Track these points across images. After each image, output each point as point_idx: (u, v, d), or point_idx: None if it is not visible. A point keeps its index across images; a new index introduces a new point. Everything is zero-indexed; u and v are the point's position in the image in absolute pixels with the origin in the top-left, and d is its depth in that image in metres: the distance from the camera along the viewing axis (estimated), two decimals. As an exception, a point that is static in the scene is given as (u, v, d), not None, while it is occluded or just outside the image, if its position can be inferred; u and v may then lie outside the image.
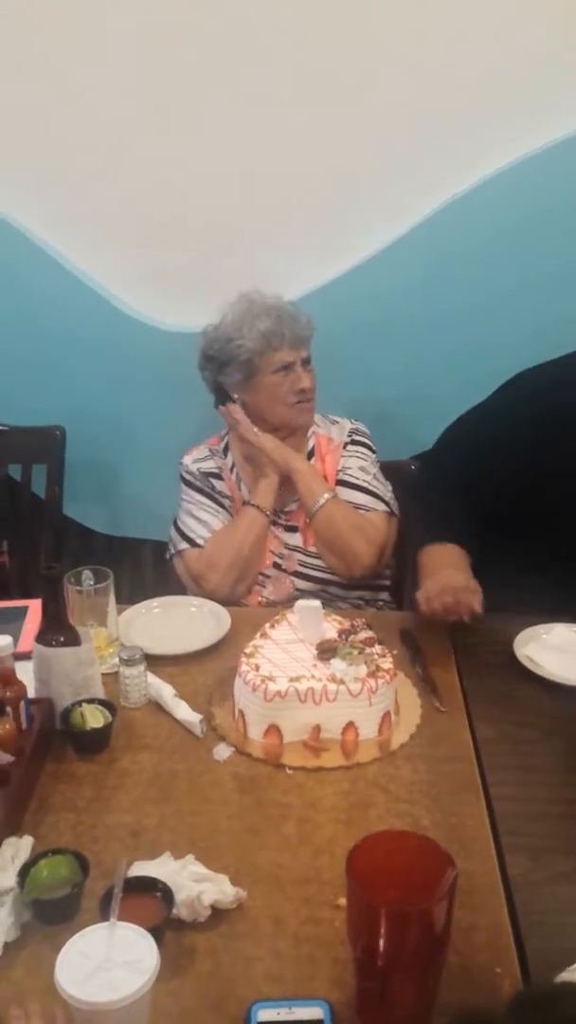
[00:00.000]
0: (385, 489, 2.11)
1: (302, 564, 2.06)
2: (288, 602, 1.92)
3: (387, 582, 2.17)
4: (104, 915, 1.08)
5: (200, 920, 1.15)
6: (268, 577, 2.07)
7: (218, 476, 2.13)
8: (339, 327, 2.16)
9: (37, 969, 1.08)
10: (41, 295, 2.46)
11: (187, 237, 2.40)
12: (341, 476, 2.09)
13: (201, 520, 2.08)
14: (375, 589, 2.12)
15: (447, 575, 1.76)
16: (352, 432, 2.15)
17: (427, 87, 2.21)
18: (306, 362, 2.03)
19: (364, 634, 1.55)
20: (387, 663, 1.51)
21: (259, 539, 2.04)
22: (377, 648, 1.53)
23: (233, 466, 2.14)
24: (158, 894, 1.14)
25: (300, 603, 1.65)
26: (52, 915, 1.15)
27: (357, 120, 2.25)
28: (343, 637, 1.55)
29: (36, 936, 1.14)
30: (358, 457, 2.12)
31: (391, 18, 2.15)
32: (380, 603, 2.13)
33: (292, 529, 2.09)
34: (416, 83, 2.21)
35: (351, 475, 2.09)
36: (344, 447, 2.13)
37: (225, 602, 1.94)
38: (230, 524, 2.07)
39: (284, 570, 2.06)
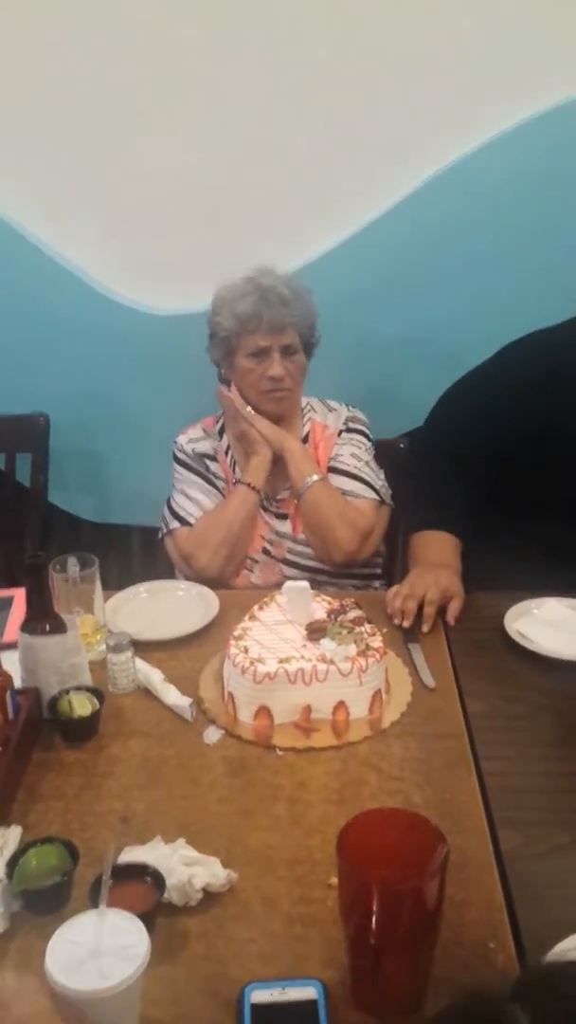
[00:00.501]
0: (376, 477, 2.09)
1: (291, 552, 2.05)
2: (276, 587, 1.90)
3: (378, 570, 2.15)
4: (94, 902, 1.07)
5: (192, 904, 1.14)
6: (256, 562, 2.05)
7: (212, 457, 2.11)
8: (330, 301, 2.14)
9: (28, 961, 1.07)
10: (25, 282, 2.43)
11: (174, 220, 2.38)
12: (332, 463, 2.07)
13: (192, 499, 2.07)
14: (366, 578, 2.11)
15: (431, 581, 1.75)
16: (348, 420, 2.13)
17: (419, 55, 2.19)
18: (287, 350, 1.98)
19: (353, 613, 1.54)
20: (376, 642, 1.50)
21: (249, 517, 2.02)
22: (367, 627, 1.52)
23: (228, 448, 2.12)
24: (148, 879, 1.13)
25: (288, 584, 1.64)
26: (42, 905, 1.14)
27: (348, 92, 2.23)
28: (332, 617, 1.54)
29: (25, 927, 1.12)
30: (351, 444, 2.10)
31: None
32: (372, 590, 2.12)
33: (282, 516, 2.07)
34: (409, 51, 2.19)
35: (342, 462, 2.07)
36: (339, 435, 2.11)
37: (214, 583, 1.93)
38: (221, 502, 2.05)
39: (273, 556, 2.05)
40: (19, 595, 1.80)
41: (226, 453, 2.12)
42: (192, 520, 2.04)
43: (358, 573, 2.08)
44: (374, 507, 2.05)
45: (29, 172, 2.35)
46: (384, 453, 2.18)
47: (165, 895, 1.12)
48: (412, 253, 2.34)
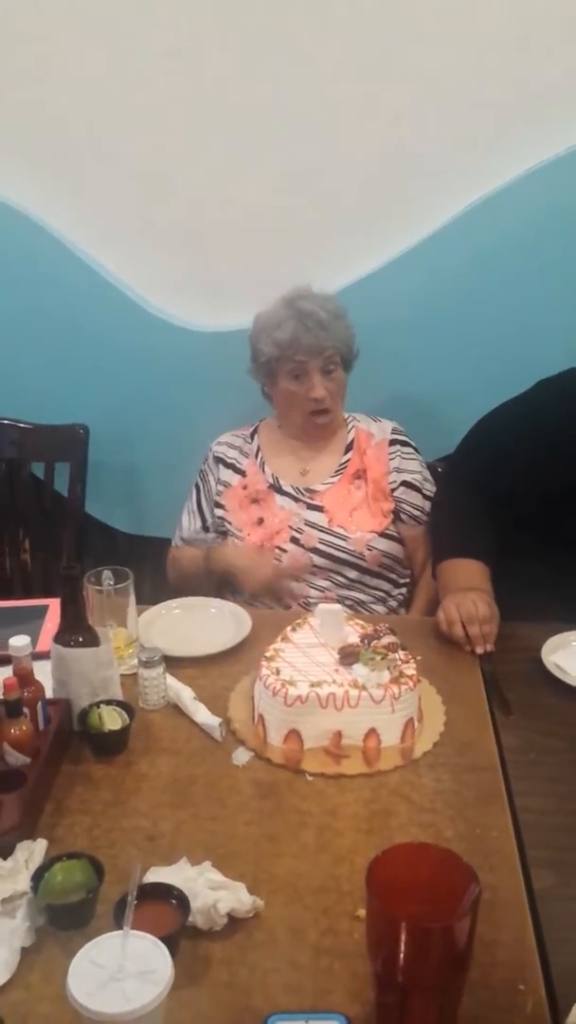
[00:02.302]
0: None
1: (323, 543, 2.06)
2: (303, 571, 2.04)
3: (407, 580, 2.16)
4: (118, 922, 1.06)
5: (216, 929, 1.13)
6: (284, 552, 2.07)
7: (228, 464, 2.16)
8: (371, 324, 2.14)
9: (51, 975, 1.06)
10: (69, 296, 2.45)
11: (216, 239, 2.39)
12: (408, 479, 2.12)
13: (181, 523, 2.22)
14: (396, 584, 2.13)
15: (472, 601, 1.74)
16: (395, 431, 2.17)
17: (463, 82, 2.18)
18: (327, 370, 2.03)
19: (387, 639, 1.52)
20: (410, 669, 1.48)
21: (195, 575, 2.14)
22: (400, 654, 1.50)
23: (259, 451, 2.16)
24: (174, 901, 1.12)
25: (322, 607, 1.62)
26: (66, 921, 1.13)
27: (391, 117, 2.23)
28: (365, 642, 1.53)
29: (50, 941, 1.12)
30: (415, 460, 2.16)
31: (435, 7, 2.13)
32: (399, 597, 2.13)
33: (316, 508, 2.09)
34: (454, 75, 2.18)
35: (416, 480, 2.13)
36: (390, 445, 2.14)
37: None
38: (191, 555, 2.17)
39: (302, 545, 2.06)
40: (54, 605, 1.81)
41: (256, 456, 2.17)
42: (177, 543, 2.23)
43: (388, 577, 2.11)
44: None
45: (77, 191, 2.38)
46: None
47: (190, 918, 1.11)
48: (452, 280, 2.33)
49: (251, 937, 1.13)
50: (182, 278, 2.45)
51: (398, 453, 2.13)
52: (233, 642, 1.74)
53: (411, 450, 2.16)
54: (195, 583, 2.12)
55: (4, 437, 2.43)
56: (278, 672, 1.48)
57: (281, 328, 2.01)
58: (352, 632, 1.59)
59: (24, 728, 1.34)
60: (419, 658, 1.54)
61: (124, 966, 0.96)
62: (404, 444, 2.15)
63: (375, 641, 1.52)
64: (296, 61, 2.20)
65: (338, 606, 1.62)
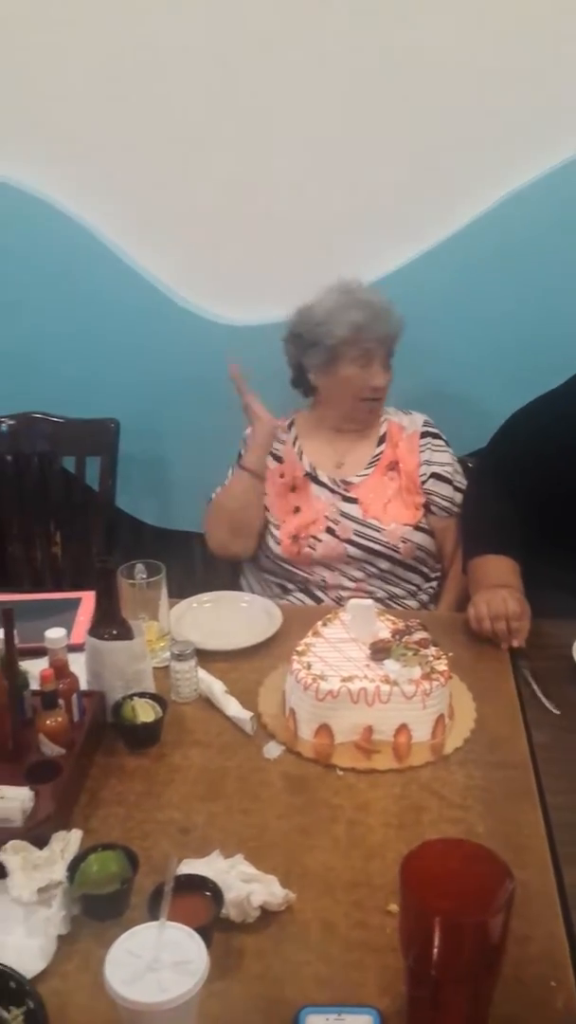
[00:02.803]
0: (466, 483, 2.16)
1: (358, 534, 2.07)
2: (339, 561, 2.06)
3: (438, 574, 2.17)
4: (153, 913, 1.07)
5: (248, 921, 1.14)
6: (319, 541, 2.07)
7: (272, 454, 2.17)
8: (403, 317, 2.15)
9: (87, 964, 1.08)
10: (100, 288, 2.46)
11: (248, 232, 2.39)
12: (437, 471, 2.12)
13: (225, 479, 2.20)
14: (427, 578, 2.14)
15: (503, 598, 1.73)
16: (426, 424, 2.17)
17: (499, 71, 2.18)
18: (386, 362, 2.07)
19: (419, 635, 1.53)
20: (442, 665, 1.48)
21: (244, 497, 2.11)
22: (432, 650, 1.50)
23: (296, 440, 2.18)
24: (208, 893, 1.13)
25: (353, 602, 1.63)
26: (101, 911, 1.15)
27: (428, 107, 2.23)
28: (397, 638, 1.53)
29: (85, 931, 1.13)
30: (446, 452, 2.15)
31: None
32: (430, 591, 2.14)
33: (351, 500, 2.10)
34: (488, 67, 2.18)
35: (447, 472, 2.13)
36: (421, 437, 2.14)
37: (234, 557, 2.16)
38: (229, 482, 2.16)
39: (337, 536, 2.07)
40: (87, 598, 1.82)
41: (294, 444, 2.18)
42: (213, 495, 2.19)
43: (420, 571, 2.12)
44: None
45: (110, 182, 2.38)
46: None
47: (223, 911, 1.12)
48: (484, 273, 2.32)
49: (283, 930, 1.14)
50: (213, 272, 2.45)
51: (428, 445, 2.14)
52: (263, 636, 1.75)
53: (441, 443, 2.16)
54: (238, 510, 2.11)
55: (37, 431, 2.45)
56: (309, 667, 1.49)
57: (353, 311, 2.02)
58: (383, 627, 1.59)
59: (60, 719, 1.36)
60: (451, 654, 1.53)
61: (160, 956, 0.97)
62: (435, 437, 2.16)
63: (406, 637, 1.53)
64: (329, 54, 2.20)
65: (369, 601, 1.63)
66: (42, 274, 2.45)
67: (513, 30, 2.14)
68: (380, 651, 1.51)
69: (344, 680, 1.45)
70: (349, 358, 2.04)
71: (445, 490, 2.11)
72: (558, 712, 1.55)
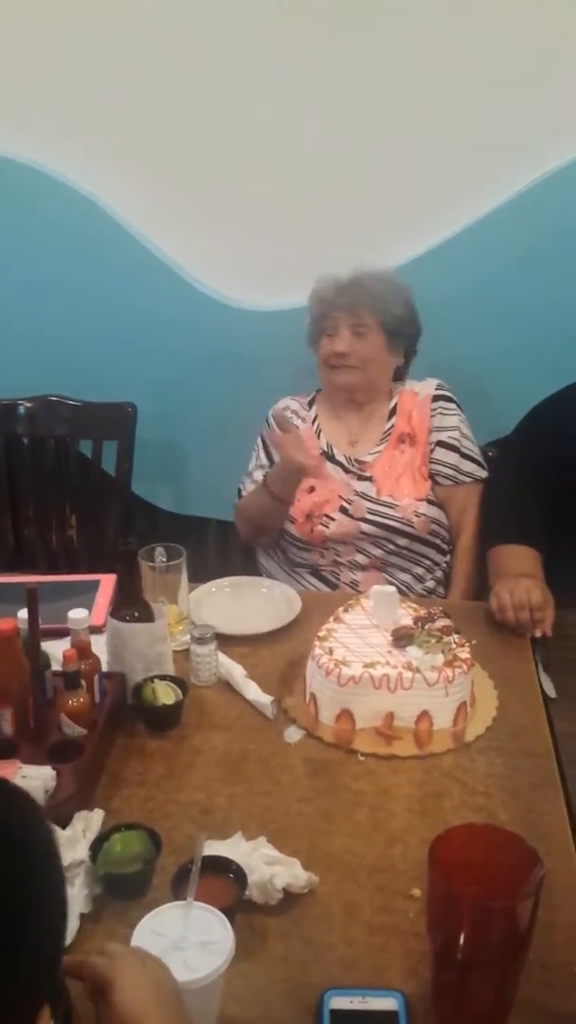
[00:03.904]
0: (478, 449, 2.14)
1: (371, 512, 2.06)
2: (352, 538, 2.05)
3: (451, 547, 2.14)
4: (176, 893, 1.07)
5: (271, 903, 1.14)
6: (332, 520, 2.07)
7: (297, 415, 2.19)
8: (428, 302, 2.14)
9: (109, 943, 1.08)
10: (118, 272, 2.45)
11: (266, 218, 2.38)
12: (442, 437, 2.09)
13: (252, 478, 2.19)
14: (443, 552, 2.11)
15: (526, 587, 1.72)
16: (439, 387, 2.14)
17: (529, 56, 2.17)
18: (358, 329, 2.05)
19: (442, 622, 1.52)
20: (464, 653, 1.48)
21: (265, 514, 2.11)
22: (455, 637, 1.50)
23: (316, 419, 2.18)
24: (231, 875, 1.12)
25: (375, 588, 1.62)
26: (124, 891, 1.15)
27: (451, 93, 2.22)
28: (419, 625, 1.52)
29: (107, 911, 1.13)
30: (455, 416, 2.12)
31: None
32: (445, 567, 2.12)
33: (365, 479, 2.09)
34: (516, 52, 2.17)
35: (453, 438, 2.09)
36: (432, 401, 2.12)
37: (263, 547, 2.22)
38: (253, 492, 2.15)
39: (351, 515, 2.06)
40: (105, 580, 1.82)
41: (313, 422, 2.18)
42: (244, 493, 2.20)
43: (437, 545, 2.10)
44: (480, 489, 2.10)
45: (132, 166, 2.37)
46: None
47: (246, 892, 1.12)
48: (513, 259, 2.31)
49: (306, 913, 1.14)
50: (234, 257, 2.44)
51: (439, 409, 2.11)
52: (283, 622, 1.74)
53: (453, 406, 2.12)
54: (261, 520, 2.14)
55: (54, 415, 2.44)
56: (331, 652, 1.49)
57: (328, 288, 2.09)
58: (405, 614, 1.58)
59: (82, 700, 1.36)
60: (474, 642, 1.53)
61: (186, 936, 0.97)
62: (447, 400, 2.12)
63: (429, 624, 1.52)
64: (357, 46, 2.19)
65: (392, 588, 1.62)
66: (61, 259, 2.44)
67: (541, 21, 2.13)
68: (402, 637, 1.51)
69: (366, 666, 1.45)
70: (323, 332, 2.09)
71: (450, 458, 2.08)
72: (554, 696, 1.55)
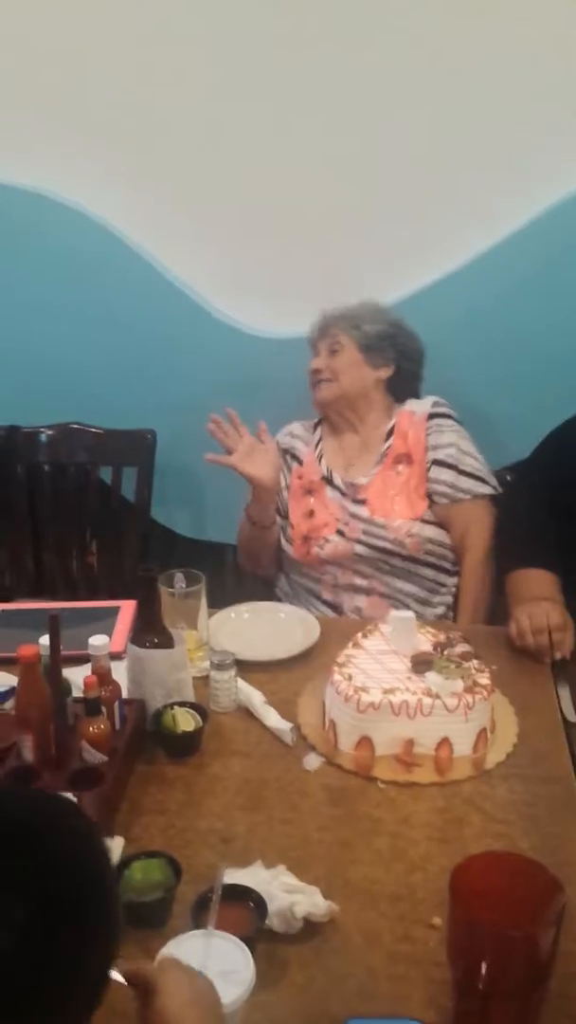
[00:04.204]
0: (482, 464, 2.09)
1: (367, 533, 2.05)
2: (347, 560, 2.06)
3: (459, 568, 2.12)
4: (197, 922, 1.07)
5: (291, 932, 1.13)
6: (328, 542, 2.07)
7: (295, 456, 2.21)
8: (441, 326, 2.17)
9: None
10: (135, 299, 2.47)
11: (282, 245, 2.39)
12: (438, 455, 2.06)
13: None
14: (450, 572, 2.09)
15: (544, 611, 1.72)
16: (435, 404, 2.13)
17: (544, 74, 2.18)
18: (332, 350, 2.12)
19: (461, 648, 1.52)
20: (484, 678, 1.47)
21: (248, 537, 2.21)
22: (474, 663, 1.50)
23: (319, 443, 2.20)
24: (251, 904, 1.12)
25: (394, 613, 1.62)
26: (144, 918, 1.15)
27: (456, 121, 2.23)
28: (439, 650, 1.52)
29: (127, 939, 1.12)
30: (451, 432, 2.09)
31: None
32: (454, 588, 2.10)
33: (360, 502, 2.09)
34: (515, 87, 2.18)
35: (449, 456, 2.06)
36: (428, 419, 2.11)
37: (263, 579, 2.28)
38: (241, 520, 2.23)
39: (347, 537, 2.06)
40: (125, 606, 1.83)
41: (316, 446, 2.20)
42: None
43: (441, 566, 2.08)
44: (489, 506, 2.07)
45: (145, 193, 2.40)
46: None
47: (266, 921, 1.12)
48: (527, 285, 2.31)
49: (327, 942, 1.13)
50: (248, 284, 2.46)
51: (434, 427, 2.09)
52: (301, 648, 1.75)
53: (449, 422, 2.10)
54: (248, 546, 2.24)
55: (75, 441, 2.47)
56: (350, 678, 1.49)
57: (313, 323, 2.19)
58: (424, 640, 1.58)
59: (102, 727, 1.36)
60: (494, 668, 1.52)
61: (207, 965, 0.97)
62: (443, 416, 2.11)
63: (448, 649, 1.52)
64: (362, 60, 2.21)
65: (410, 613, 1.62)
66: (80, 287, 2.47)
67: (550, 44, 2.15)
68: (422, 663, 1.50)
69: (385, 692, 1.45)
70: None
71: (446, 475, 2.04)
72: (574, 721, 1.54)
